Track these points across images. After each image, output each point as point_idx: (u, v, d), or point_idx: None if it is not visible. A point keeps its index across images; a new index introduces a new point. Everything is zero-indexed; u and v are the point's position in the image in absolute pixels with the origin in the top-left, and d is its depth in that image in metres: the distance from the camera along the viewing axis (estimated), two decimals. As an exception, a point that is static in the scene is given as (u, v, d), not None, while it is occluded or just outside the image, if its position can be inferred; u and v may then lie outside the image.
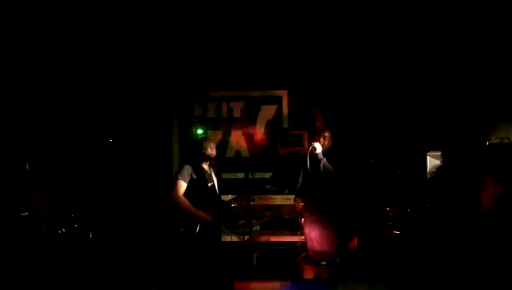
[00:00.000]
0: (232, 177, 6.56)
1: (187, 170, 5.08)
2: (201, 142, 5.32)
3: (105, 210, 6.45)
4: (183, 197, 4.99)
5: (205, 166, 5.23)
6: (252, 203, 5.58)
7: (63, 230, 5.89)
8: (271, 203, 6.32)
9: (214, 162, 5.30)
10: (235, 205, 5.24)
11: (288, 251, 6.01)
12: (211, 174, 5.26)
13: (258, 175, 6.87)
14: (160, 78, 7.02)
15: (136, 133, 6.95)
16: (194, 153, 5.23)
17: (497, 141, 5.52)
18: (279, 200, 6.31)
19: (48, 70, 6.68)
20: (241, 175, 6.67)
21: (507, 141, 5.49)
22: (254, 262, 5.79)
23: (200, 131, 6.65)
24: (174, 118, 7.16)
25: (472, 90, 6.24)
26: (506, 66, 6.07)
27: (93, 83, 6.87)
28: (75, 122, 6.78)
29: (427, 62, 6.47)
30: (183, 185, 5.02)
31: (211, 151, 5.24)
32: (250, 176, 5.51)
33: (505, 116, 5.95)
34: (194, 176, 5.10)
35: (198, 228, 4.99)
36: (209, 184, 5.19)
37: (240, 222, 6.14)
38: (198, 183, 5.10)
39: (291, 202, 5.94)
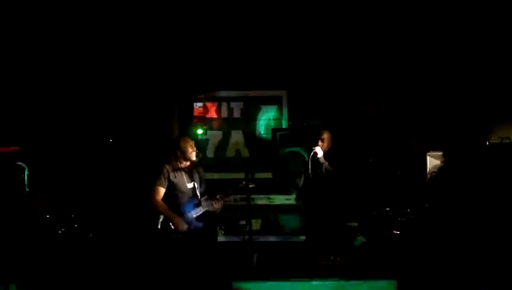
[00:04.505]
0: (232, 177, 6.55)
1: (164, 174, 5.05)
2: (178, 141, 5.23)
3: (106, 210, 6.44)
4: (160, 202, 5.04)
5: (185, 166, 5.16)
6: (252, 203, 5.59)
7: (63, 230, 5.89)
8: (271, 203, 6.31)
9: (197, 163, 5.23)
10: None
11: (289, 250, 6.00)
12: (192, 175, 5.19)
13: (258, 175, 6.86)
14: (161, 78, 7.02)
15: (136, 133, 6.94)
16: (172, 152, 5.16)
17: (497, 141, 5.52)
18: (279, 200, 6.31)
19: (48, 71, 6.68)
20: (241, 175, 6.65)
21: (507, 141, 5.49)
22: (254, 262, 5.78)
23: (200, 131, 6.64)
24: (174, 118, 7.16)
25: (472, 90, 6.25)
26: (506, 66, 6.08)
27: (93, 84, 6.87)
28: (75, 122, 6.77)
29: (427, 62, 6.47)
30: (161, 190, 5.05)
31: (191, 152, 5.16)
32: (250, 176, 5.48)
33: (505, 116, 5.95)
34: (173, 178, 5.06)
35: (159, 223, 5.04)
36: (189, 186, 5.13)
37: (240, 222, 6.14)
38: (177, 186, 5.08)
39: (292, 202, 5.95)
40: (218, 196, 5.14)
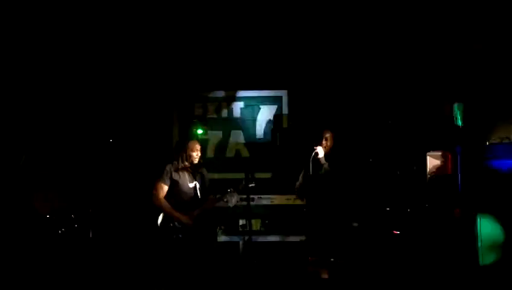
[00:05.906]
0: (232, 177, 6.56)
1: (167, 171, 5.13)
2: (186, 143, 5.31)
3: (106, 210, 6.45)
4: (163, 200, 5.10)
5: (187, 167, 5.21)
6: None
7: (63, 230, 5.90)
8: (271, 203, 6.31)
9: (200, 163, 5.29)
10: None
11: (289, 250, 6.00)
12: (194, 174, 5.23)
13: (258, 175, 6.85)
14: (160, 79, 7.02)
15: (136, 134, 6.95)
16: (178, 152, 5.22)
17: (497, 141, 5.52)
18: (279, 200, 6.30)
19: (48, 70, 6.68)
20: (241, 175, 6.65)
21: (507, 141, 5.48)
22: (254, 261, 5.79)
23: (200, 131, 6.64)
24: (174, 118, 7.16)
25: (472, 90, 6.24)
26: (506, 66, 6.07)
27: (93, 84, 6.88)
28: (75, 123, 6.78)
29: (426, 62, 6.47)
30: (163, 188, 5.12)
31: (196, 154, 5.22)
32: (250, 176, 5.49)
33: (505, 116, 5.94)
34: (175, 177, 5.13)
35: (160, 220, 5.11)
36: (191, 185, 5.18)
37: (240, 223, 6.14)
38: (179, 185, 5.13)
39: (292, 202, 5.94)
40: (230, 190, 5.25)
